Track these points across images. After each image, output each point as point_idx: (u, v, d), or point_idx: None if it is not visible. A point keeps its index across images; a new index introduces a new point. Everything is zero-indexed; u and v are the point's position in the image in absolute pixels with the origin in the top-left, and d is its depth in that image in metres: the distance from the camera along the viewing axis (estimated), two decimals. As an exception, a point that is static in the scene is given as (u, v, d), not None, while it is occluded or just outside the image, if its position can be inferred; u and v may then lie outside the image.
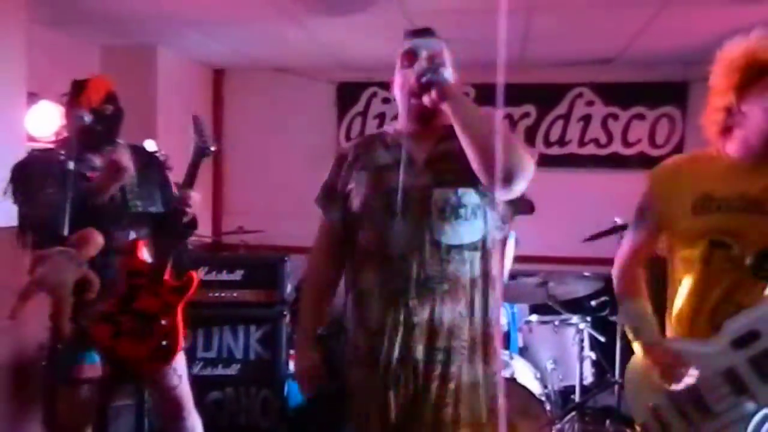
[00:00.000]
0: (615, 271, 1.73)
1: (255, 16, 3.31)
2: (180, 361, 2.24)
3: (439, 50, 1.51)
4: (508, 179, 1.37)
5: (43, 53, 3.12)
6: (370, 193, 1.53)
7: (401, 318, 1.46)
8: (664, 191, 1.62)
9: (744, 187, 1.49)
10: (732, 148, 1.56)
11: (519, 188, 1.43)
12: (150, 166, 2.31)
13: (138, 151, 2.31)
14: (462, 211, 1.47)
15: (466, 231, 1.48)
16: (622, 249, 1.74)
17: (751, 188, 1.49)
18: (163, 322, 2.06)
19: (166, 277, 2.10)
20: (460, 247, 1.47)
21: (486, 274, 1.50)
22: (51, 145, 2.45)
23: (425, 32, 1.57)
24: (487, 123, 1.40)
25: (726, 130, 1.55)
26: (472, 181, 1.45)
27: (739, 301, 1.47)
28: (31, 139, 2.86)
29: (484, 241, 1.50)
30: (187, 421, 2.27)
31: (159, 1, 3.11)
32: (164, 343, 2.06)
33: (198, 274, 2.18)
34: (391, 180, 1.50)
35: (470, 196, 1.48)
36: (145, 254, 2.14)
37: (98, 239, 1.74)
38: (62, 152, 1.94)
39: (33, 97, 2.90)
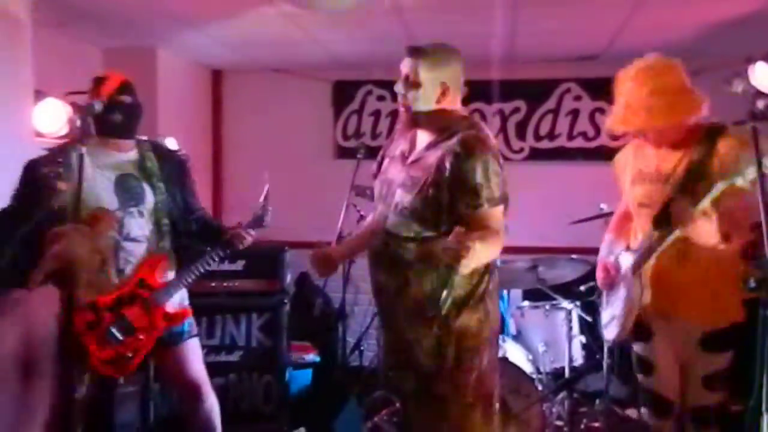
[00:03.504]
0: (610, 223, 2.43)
1: (252, 16, 3.42)
2: (196, 344, 2.28)
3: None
4: None
5: (48, 54, 3.23)
6: None
7: None
8: (619, 171, 2.28)
9: (659, 164, 2.09)
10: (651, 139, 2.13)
11: None
12: (173, 166, 2.31)
13: (159, 149, 2.32)
14: None
15: None
16: (617, 210, 2.45)
17: (663, 165, 2.08)
18: (140, 337, 2.10)
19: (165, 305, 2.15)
20: None
21: None
22: (61, 141, 2.48)
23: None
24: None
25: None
26: None
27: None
28: (38, 134, 2.97)
29: None
30: (206, 403, 2.27)
31: (158, 3, 3.23)
32: (129, 355, 2.09)
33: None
34: None
35: None
36: (163, 270, 2.18)
37: (111, 219, 1.85)
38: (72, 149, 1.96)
39: (39, 94, 3.01)
